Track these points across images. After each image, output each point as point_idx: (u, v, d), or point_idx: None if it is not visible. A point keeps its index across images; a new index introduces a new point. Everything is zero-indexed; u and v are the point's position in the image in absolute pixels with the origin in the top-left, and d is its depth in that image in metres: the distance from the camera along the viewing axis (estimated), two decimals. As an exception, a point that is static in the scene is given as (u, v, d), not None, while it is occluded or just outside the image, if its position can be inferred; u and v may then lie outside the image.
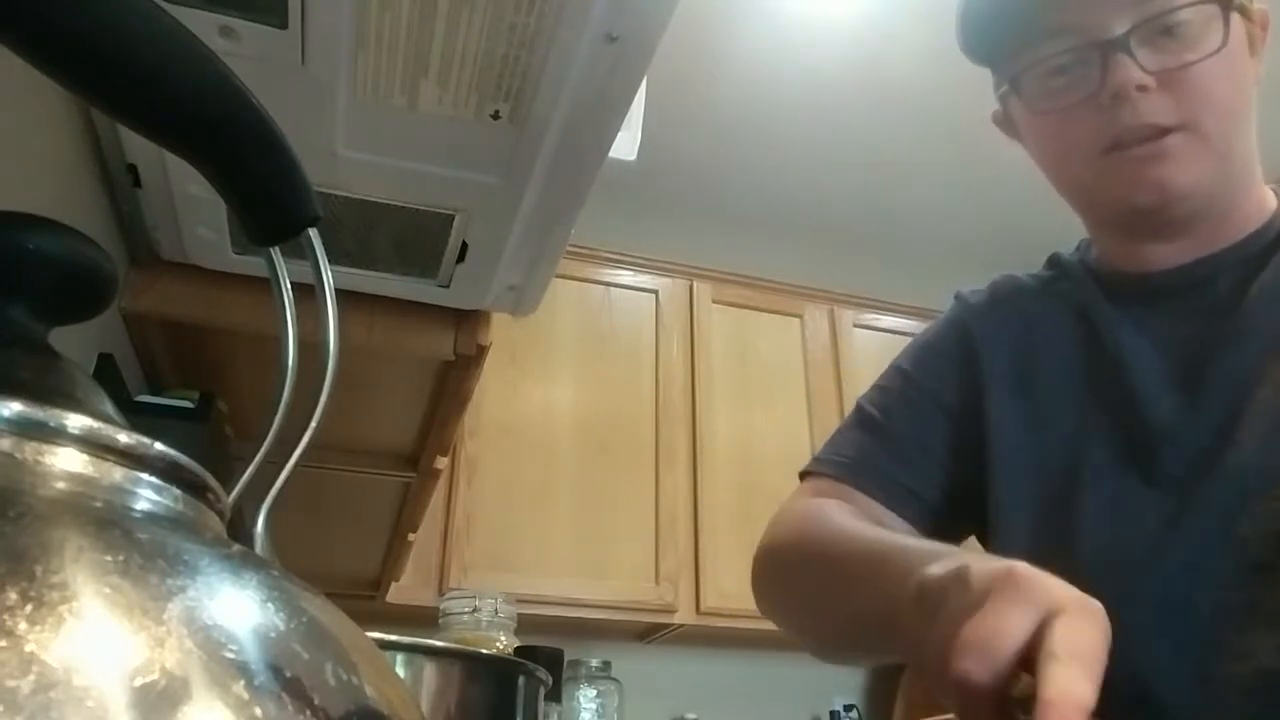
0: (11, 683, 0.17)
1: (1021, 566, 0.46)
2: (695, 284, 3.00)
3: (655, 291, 2.95)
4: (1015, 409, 0.76)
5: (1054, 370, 0.76)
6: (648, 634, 2.73)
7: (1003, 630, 0.43)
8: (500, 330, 1.22)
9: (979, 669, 0.43)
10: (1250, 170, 0.72)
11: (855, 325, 3.12)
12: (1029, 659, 0.42)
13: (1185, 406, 0.68)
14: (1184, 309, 0.71)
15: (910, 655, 0.53)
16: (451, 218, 0.94)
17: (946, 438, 0.79)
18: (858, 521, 0.71)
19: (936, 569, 0.51)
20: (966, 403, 0.79)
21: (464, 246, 0.99)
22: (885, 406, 0.82)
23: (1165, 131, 0.66)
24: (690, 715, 2.63)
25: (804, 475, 0.83)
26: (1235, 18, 0.67)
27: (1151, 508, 0.67)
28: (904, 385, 0.82)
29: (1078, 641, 0.42)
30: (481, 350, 1.15)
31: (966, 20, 0.75)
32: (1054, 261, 0.83)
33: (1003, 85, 0.76)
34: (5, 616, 0.18)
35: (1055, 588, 0.45)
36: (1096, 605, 0.46)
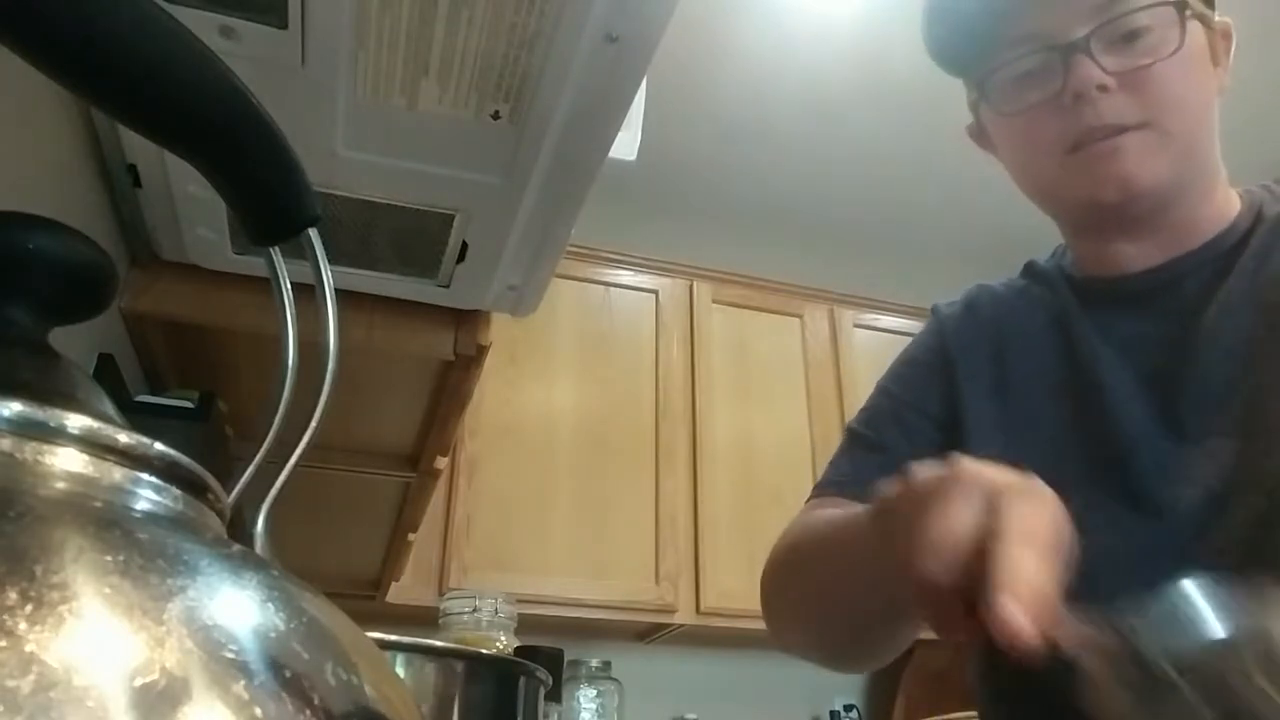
0: (11, 683, 0.17)
1: (963, 461, 0.46)
2: (695, 284, 3.00)
3: (655, 291, 2.95)
4: (991, 416, 0.77)
5: (1029, 377, 0.77)
6: (648, 634, 2.73)
7: (945, 525, 0.43)
8: (500, 330, 1.22)
9: (935, 569, 0.43)
10: (1214, 173, 0.73)
11: (855, 325, 3.12)
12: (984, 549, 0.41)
13: (1156, 413, 0.68)
14: (1154, 312, 0.72)
15: (885, 578, 0.52)
16: (451, 218, 0.94)
17: (937, 446, 0.79)
18: (843, 510, 0.71)
19: (886, 487, 0.51)
20: (950, 411, 0.80)
21: (464, 246, 0.99)
22: (874, 425, 0.83)
23: (1126, 130, 0.67)
24: (690, 715, 2.63)
25: (808, 501, 0.83)
26: (1195, 25, 0.69)
27: (1125, 516, 0.67)
28: (890, 403, 0.84)
29: (1027, 522, 0.42)
30: (481, 350, 1.15)
31: (932, 31, 0.76)
32: (1029, 269, 0.84)
33: (972, 94, 0.77)
34: (5, 616, 0.18)
35: (997, 473, 0.45)
36: (1043, 486, 0.45)
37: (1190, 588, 0.40)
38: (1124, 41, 0.68)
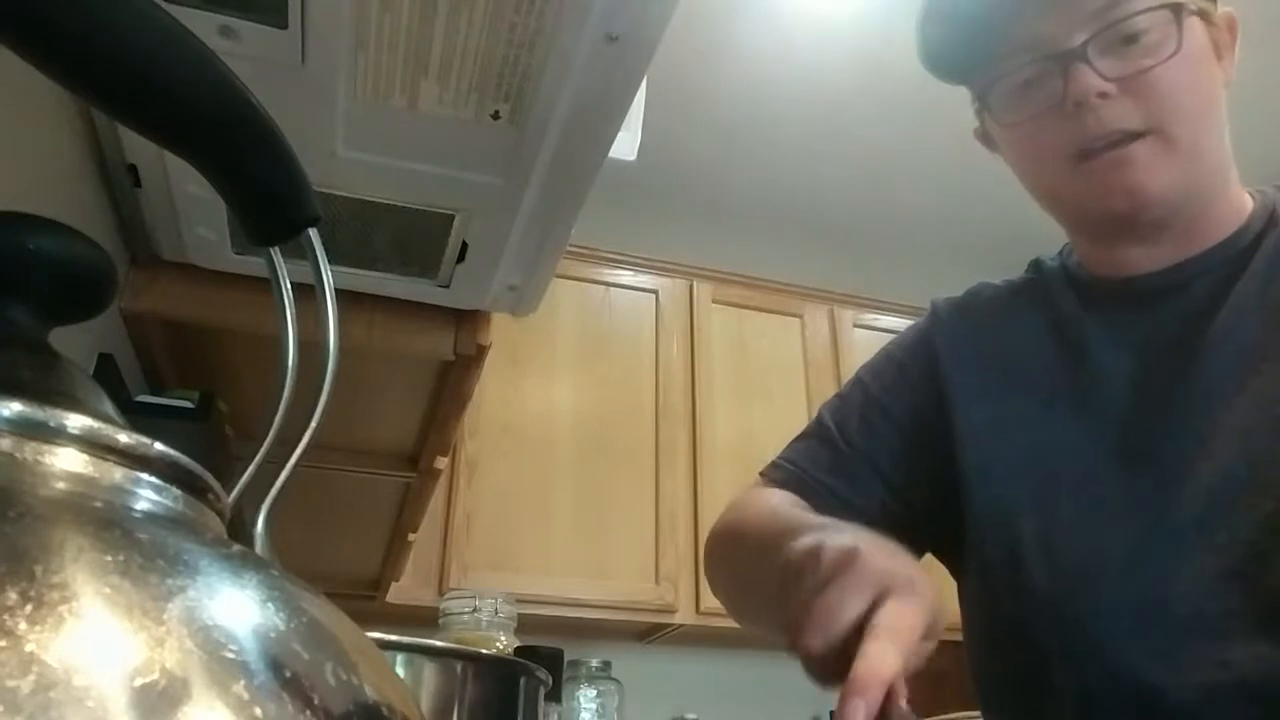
0: (11, 683, 0.17)
1: (865, 548, 0.51)
2: (695, 284, 3.00)
3: (655, 291, 2.95)
4: (986, 418, 0.76)
5: (1028, 377, 0.76)
6: (648, 634, 2.73)
7: (838, 610, 0.49)
8: (500, 330, 1.22)
9: (816, 642, 0.49)
10: (1224, 172, 0.72)
11: (855, 325, 3.12)
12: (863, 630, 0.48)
13: (1161, 414, 0.68)
14: (1161, 314, 0.71)
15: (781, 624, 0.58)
16: (451, 218, 0.94)
17: (897, 453, 0.81)
18: (789, 507, 0.75)
19: (801, 544, 0.55)
20: (923, 417, 0.80)
21: (464, 246, 0.99)
22: (840, 420, 0.85)
23: (1131, 136, 0.66)
24: (690, 715, 2.63)
25: (761, 475, 0.86)
26: (1195, 22, 0.68)
27: (1129, 515, 0.66)
28: (861, 397, 0.85)
29: (898, 620, 0.48)
30: (481, 350, 1.15)
31: (927, 42, 0.76)
32: (1034, 267, 0.84)
33: (975, 102, 0.77)
34: (5, 616, 0.18)
35: (890, 570, 0.50)
36: (925, 585, 0.51)
37: None
38: (1122, 45, 0.67)
